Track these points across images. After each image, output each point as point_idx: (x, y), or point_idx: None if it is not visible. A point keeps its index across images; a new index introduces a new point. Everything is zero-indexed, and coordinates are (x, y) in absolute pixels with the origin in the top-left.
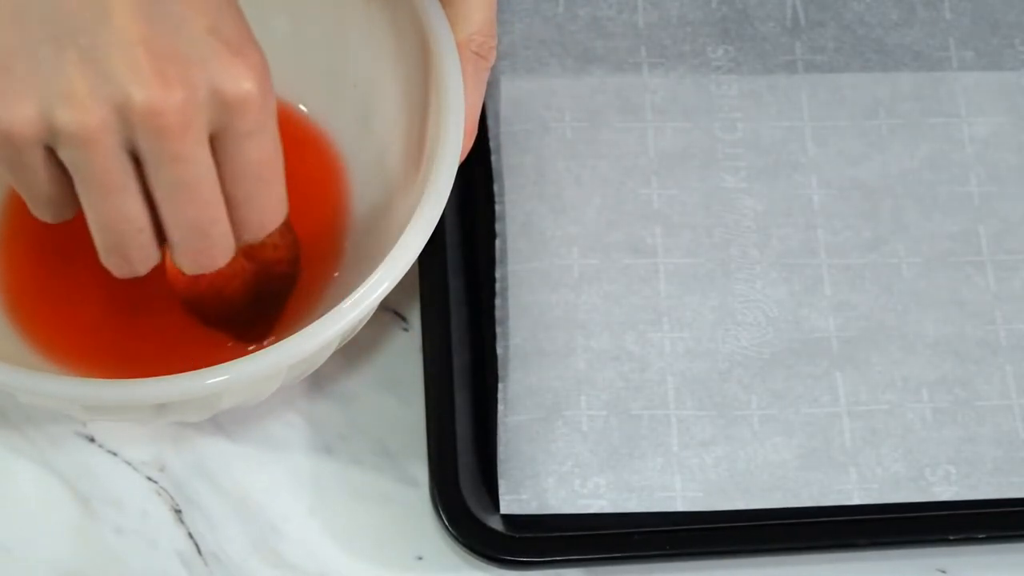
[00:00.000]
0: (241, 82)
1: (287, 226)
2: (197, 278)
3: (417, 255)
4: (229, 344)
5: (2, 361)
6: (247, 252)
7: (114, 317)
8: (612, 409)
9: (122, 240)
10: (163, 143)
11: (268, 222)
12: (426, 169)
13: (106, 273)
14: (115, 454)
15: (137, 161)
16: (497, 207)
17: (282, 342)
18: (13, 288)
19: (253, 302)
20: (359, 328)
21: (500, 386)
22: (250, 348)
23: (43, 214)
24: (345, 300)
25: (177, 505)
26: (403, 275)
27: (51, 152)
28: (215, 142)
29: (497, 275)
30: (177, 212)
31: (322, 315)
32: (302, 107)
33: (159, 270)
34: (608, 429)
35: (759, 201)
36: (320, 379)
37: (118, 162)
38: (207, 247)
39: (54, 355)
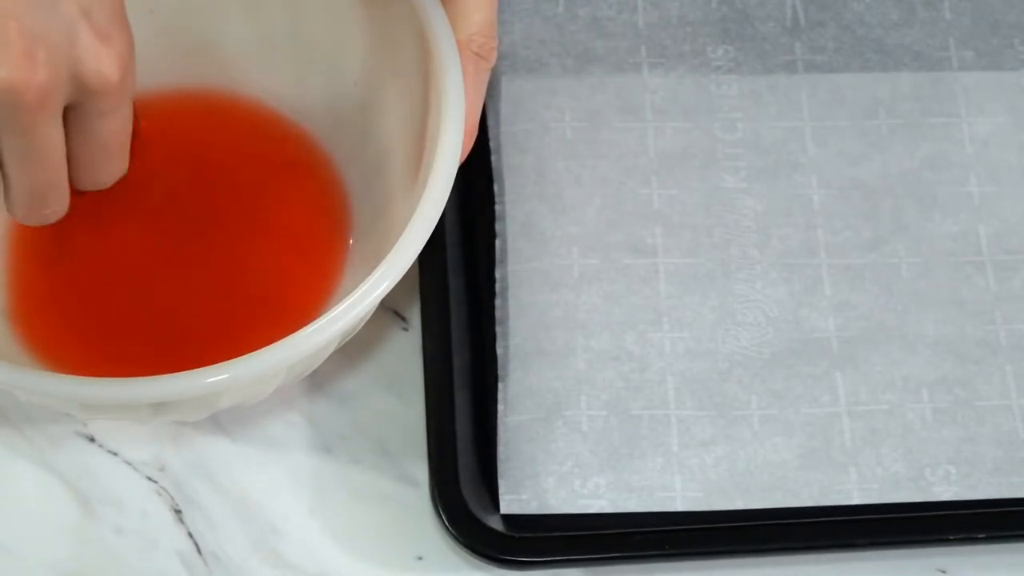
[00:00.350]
0: (103, 68)
1: None
2: None
3: (417, 255)
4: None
5: (2, 360)
6: None
7: (113, 316)
8: (612, 409)
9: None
10: (17, 117)
11: (107, 181)
12: (426, 169)
13: (106, 273)
14: (115, 454)
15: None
16: (497, 207)
17: (282, 341)
18: (12, 287)
19: None
20: (359, 327)
21: (500, 386)
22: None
23: None
24: (345, 299)
25: (177, 505)
26: (403, 275)
27: None
28: (68, 112)
29: (497, 275)
30: (19, 177)
31: (322, 314)
32: (301, 108)
33: (148, 275)
34: (608, 429)
35: (759, 201)
36: (320, 379)
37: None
38: (41, 208)
39: (53, 354)
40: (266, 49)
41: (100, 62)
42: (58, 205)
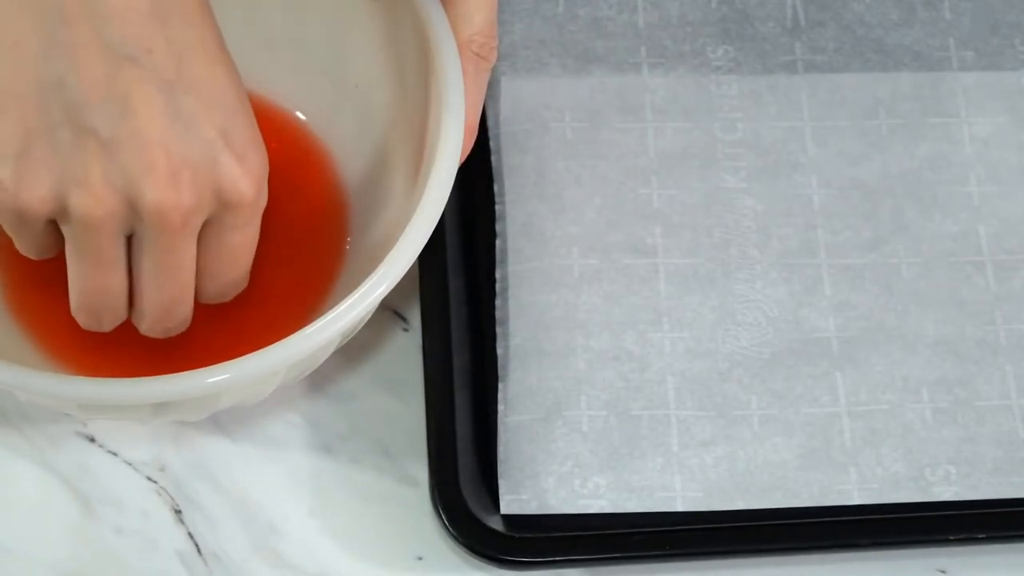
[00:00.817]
0: (241, 186)
1: None
2: None
3: (417, 255)
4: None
5: (2, 359)
6: None
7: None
8: (612, 409)
9: (99, 306)
10: (162, 237)
11: (227, 295)
12: (426, 169)
13: None
14: (115, 454)
15: (128, 238)
16: (497, 207)
17: (282, 341)
18: (15, 286)
19: None
20: (359, 327)
21: (500, 386)
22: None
23: (27, 254)
24: (345, 299)
25: (177, 505)
26: (403, 275)
27: (53, 220)
28: (204, 226)
29: (497, 275)
30: (153, 291)
31: (322, 314)
32: (302, 108)
33: None
34: (608, 429)
35: (759, 201)
36: (320, 379)
37: (115, 244)
38: (167, 322)
39: (55, 353)
40: (266, 49)
41: (238, 181)
42: (181, 318)
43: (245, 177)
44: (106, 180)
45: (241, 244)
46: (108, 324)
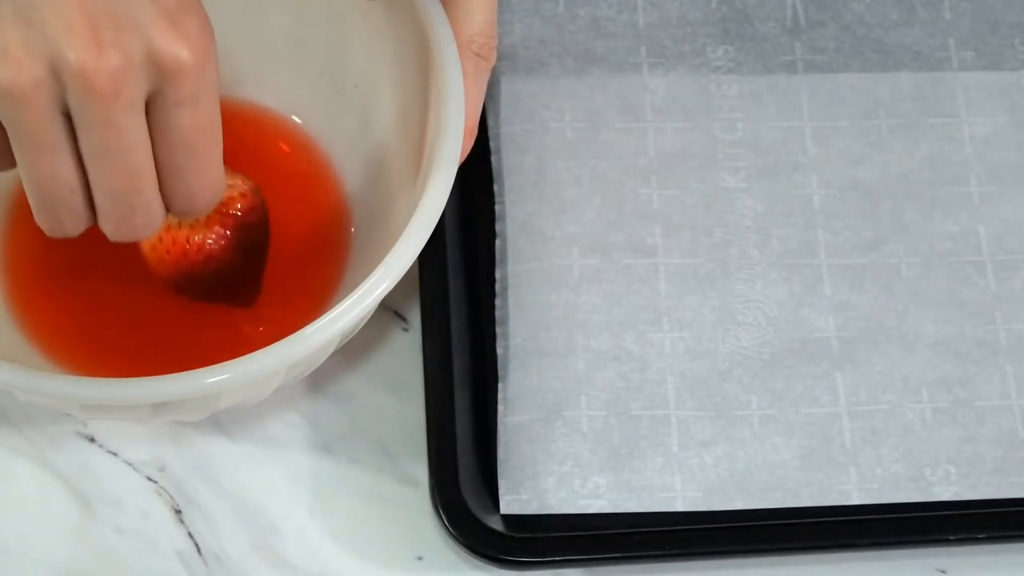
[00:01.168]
0: (176, 50)
1: (245, 182)
2: (174, 260)
3: (417, 254)
4: (226, 327)
5: (2, 359)
6: (216, 214)
7: (115, 316)
8: (612, 409)
9: (53, 200)
10: (93, 107)
11: (199, 195)
12: (426, 169)
13: (108, 272)
14: (115, 454)
15: (72, 123)
16: (497, 207)
17: (282, 341)
18: (15, 286)
19: (235, 266)
20: (359, 327)
21: (500, 386)
22: (245, 326)
23: None
24: (345, 299)
25: (177, 505)
26: (403, 274)
27: None
28: (149, 108)
29: (497, 275)
30: (103, 178)
31: (322, 314)
32: (302, 108)
33: (150, 275)
34: (608, 429)
35: (759, 201)
36: (320, 379)
37: (51, 121)
38: (130, 215)
39: (55, 353)
40: (266, 49)
41: (172, 44)
42: (147, 217)
43: (180, 40)
44: (26, 46)
45: (193, 126)
46: (70, 225)
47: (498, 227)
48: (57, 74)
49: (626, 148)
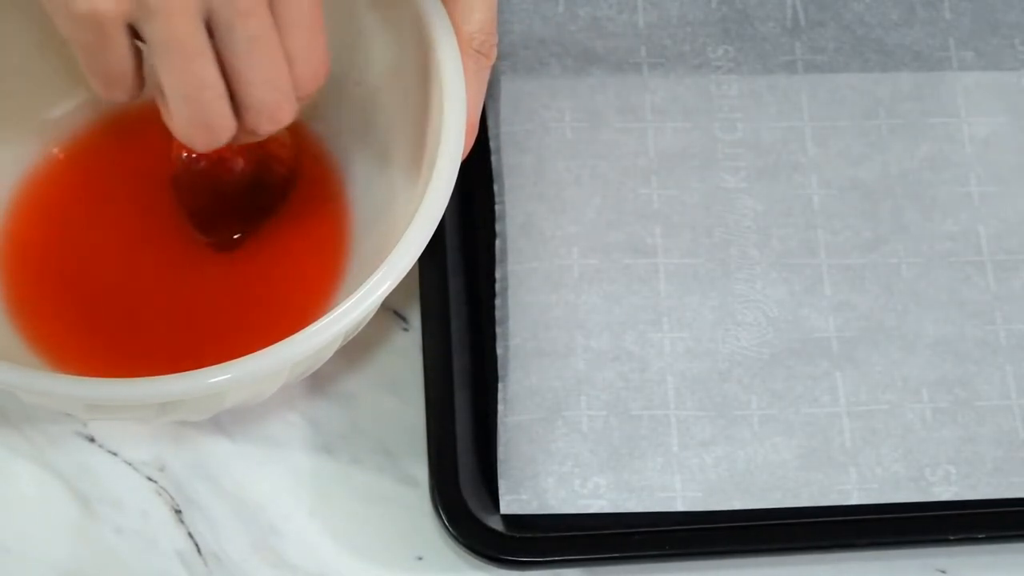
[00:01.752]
0: None
1: (290, 137)
2: (197, 156)
3: (420, 252)
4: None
5: (4, 360)
6: (254, 147)
7: (116, 316)
8: (612, 409)
9: (204, 108)
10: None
11: (320, 75)
12: (428, 167)
13: (108, 272)
14: (115, 454)
15: (209, 33)
16: (497, 207)
17: (285, 341)
18: (15, 288)
19: (242, 193)
20: (362, 326)
21: (500, 386)
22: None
23: (114, 93)
24: (349, 297)
25: (177, 505)
26: (406, 273)
27: (129, 28)
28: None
29: (497, 275)
30: (254, 68)
31: (324, 313)
32: (302, 106)
33: (150, 275)
34: (608, 429)
35: (759, 201)
36: (320, 379)
37: (197, 29)
38: (280, 101)
39: (55, 354)
40: None
41: None
42: (290, 102)
43: None
44: None
45: (310, 8)
46: (222, 131)
47: (498, 227)
48: None
49: (626, 148)
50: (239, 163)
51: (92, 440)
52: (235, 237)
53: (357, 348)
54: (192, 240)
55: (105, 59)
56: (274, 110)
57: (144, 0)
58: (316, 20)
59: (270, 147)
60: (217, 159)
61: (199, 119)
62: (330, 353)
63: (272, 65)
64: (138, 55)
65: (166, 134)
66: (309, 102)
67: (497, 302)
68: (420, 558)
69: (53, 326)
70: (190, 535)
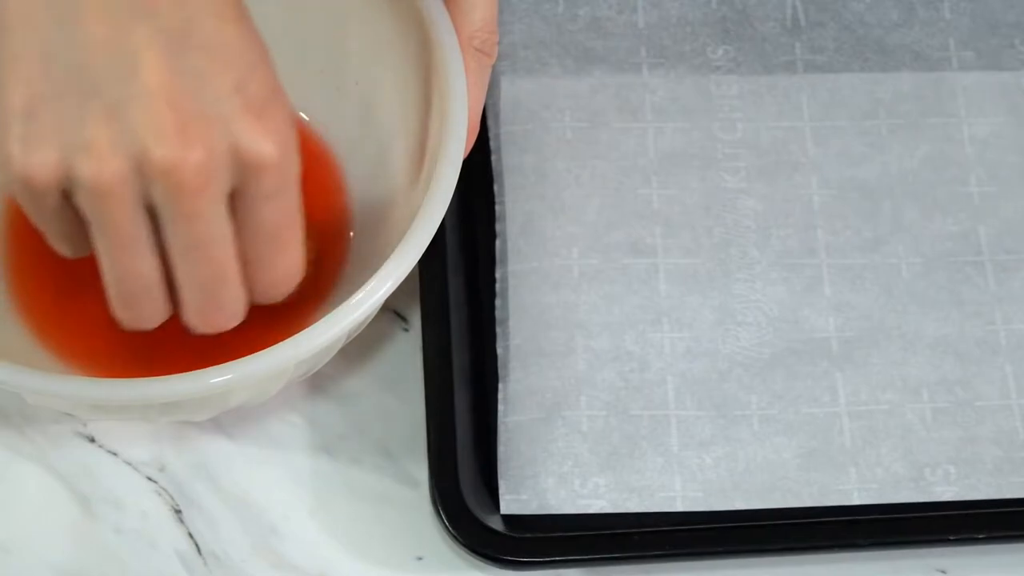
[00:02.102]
0: (261, 144)
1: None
2: None
3: (423, 251)
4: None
5: (10, 360)
6: None
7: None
8: (612, 409)
9: (134, 293)
10: (179, 200)
11: (281, 285)
12: (429, 166)
13: None
14: (115, 454)
15: (154, 216)
16: (497, 207)
17: (288, 340)
18: (21, 287)
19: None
20: (364, 326)
21: (500, 386)
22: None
23: (61, 249)
24: (352, 297)
25: (177, 505)
26: (408, 272)
27: (69, 197)
28: (234, 201)
29: (497, 275)
30: (188, 271)
31: (324, 313)
32: (303, 107)
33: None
34: (608, 429)
35: (759, 201)
36: (320, 379)
37: (133, 215)
38: (216, 308)
39: (62, 353)
40: (266, 47)
41: (257, 138)
42: (233, 308)
43: (265, 135)
44: (112, 142)
45: (277, 218)
46: (149, 317)
47: (498, 227)
48: (142, 169)
49: (626, 148)
50: None
51: (92, 440)
52: None
53: (357, 348)
54: None
55: (45, 219)
56: (207, 315)
57: (76, 175)
58: (286, 232)
59: None
60: None
61: (127, 302)
62: (334, 351)
63: (211, 272)
64: (84, 220)
65: None
66: (309, 100)
67: (497, 302)
68: (420, 558)
69: (60, 325)
70: (190, 535)
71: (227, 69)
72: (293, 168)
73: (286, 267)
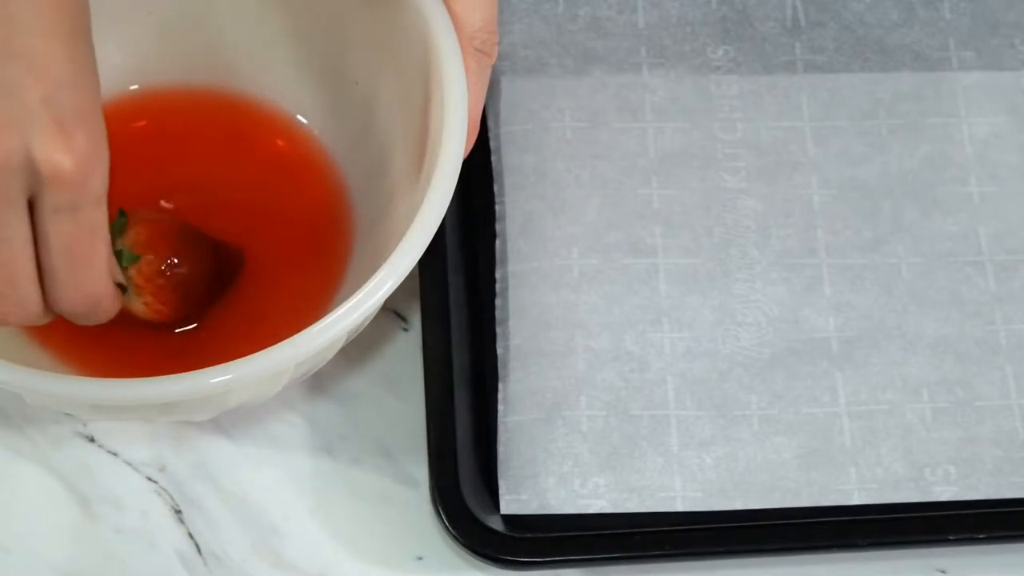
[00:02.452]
0: (57, 157)
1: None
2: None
3: (423, 251)
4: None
5: (10, 361)
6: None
7: (119, 316)
8: (612, 409)
9: None
10: None
11: (79, 307)
12: (429, 166)
13: None
14: (115, 454)
15: None
16: (497, 207)
17: (288, 340)
18: None
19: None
20: (364, 326)
21: (500, 386)
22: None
23: None
24: (352, 297)
25: (177, 505)
26: (408, 272)
27: None
28: (33, 209)
29: (497, 275)
30: None
31: (324, 313)
32: (303, 107)
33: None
34: (608, 429)
35: (759, 201)
36: (320, 379)
37: None
38: (8, 304)
39: (61, 354)
40: (266, 49)
41: (55, 151)
42: (20, 309)
43: (64, 150)
44: None
45: (71, 233)
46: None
47: (498, 227)
48: None
49: (626, 148)
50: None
51: (92, 440)
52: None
53: (357, 348)
54: None
55: None
56: (2, 308)
57: None
58: (81, 250)
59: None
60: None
61: None
62: (334, 351)
63: (1, 272)
64: None
65: (165, 136)
66: (309, 100)
67: (497, 302)
68: (420, 558)
69: (59, 326)
70: (190, 535)
71: (39, 82)
72: (94, 186)
73: (83, 290)
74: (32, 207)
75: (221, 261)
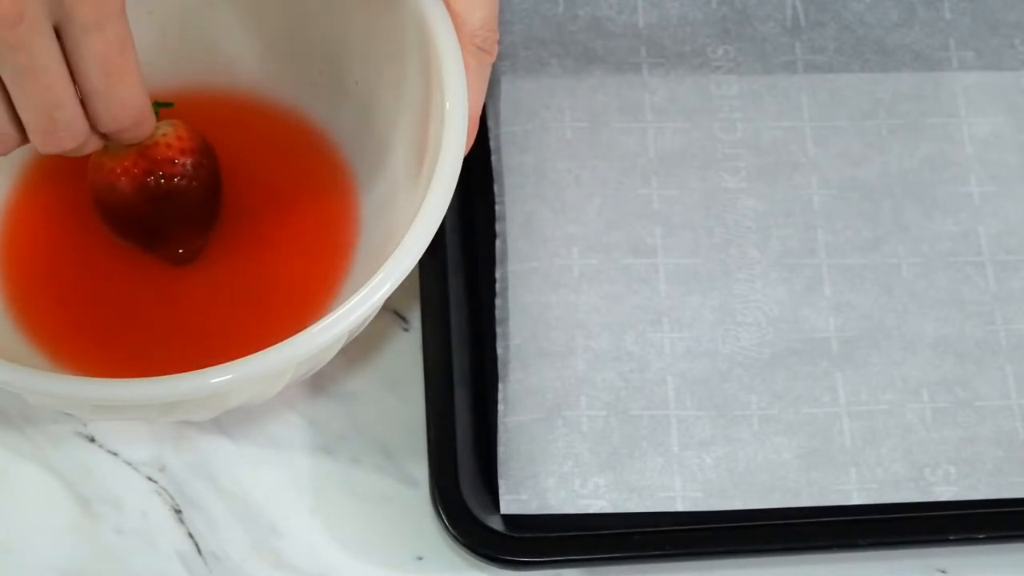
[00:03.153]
0: None
1: (183, 129)
2: (107, 185)
3: (424, 250)
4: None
5: (8, 361)
6: (142, 152)
7: (118, 315)
8: (612, 409)
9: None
10: (2, 33)
11: (121, 115)
12: (430, 165)
13: (110, 272)
14: (115, 454)
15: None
16: (497, 207)
17: (288, 340)
18: (16, 288)
19: (154, 205)
20: (365, 325)
21: (500, 386)
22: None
23: None
24: (352, 297)
25: (177, 505)
26: (408, 272)
27: None
28: (61, 35)
29: (497, 275)
30: (21, 96)
31: (326, 312)
32: (303, 105)
33: (153, 273)
34: (608, 429)
35: (759, 201)
36: (320, 379)
37: None
38: (53, 129)
39: (57, 355)
40: (266, 48)
41: None
42: (70, 130)
43: None
44: None
45: (104, 50)
46: (8, 141)
47: (498, 227)
48: None
49: (626, 148)
50: (122, 182)
51: (92, 440)
52: (185, 250)
53: (357, 348)
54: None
55: None
56: (46, 135)
57: None
58: (115, 63)
59: (153, 154)
60: (107, 185)
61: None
62: (335, 351)
63: (41, 97)
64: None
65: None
66: (309, 99)
67: (497, 302)
68: (420, 558)
69: (55, 324)
70: (190, 535)
71: None
72: (115, 1)
73: (122, 98)
74: (60, 37)
75: (216, 193)
